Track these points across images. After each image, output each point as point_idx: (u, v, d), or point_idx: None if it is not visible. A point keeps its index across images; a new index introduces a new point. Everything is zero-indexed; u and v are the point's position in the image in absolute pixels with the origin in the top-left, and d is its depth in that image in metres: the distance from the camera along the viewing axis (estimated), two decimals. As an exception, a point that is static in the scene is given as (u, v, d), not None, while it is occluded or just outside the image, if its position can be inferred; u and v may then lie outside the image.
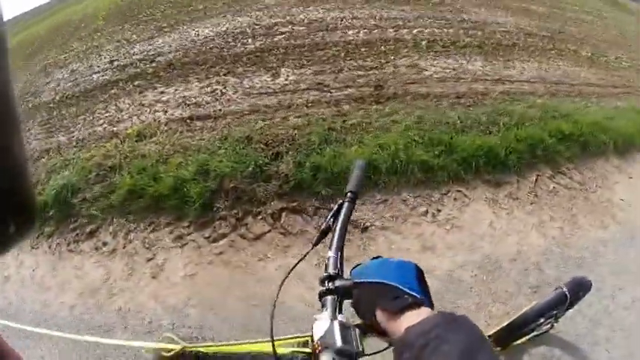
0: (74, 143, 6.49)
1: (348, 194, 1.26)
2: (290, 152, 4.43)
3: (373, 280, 0.92)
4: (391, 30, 8.50)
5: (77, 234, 4.78)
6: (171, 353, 1.63)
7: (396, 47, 7.60)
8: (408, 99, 5.73)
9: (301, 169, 4.20)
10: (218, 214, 4.16)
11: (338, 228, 1.14)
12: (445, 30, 8.71)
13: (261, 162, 4.33)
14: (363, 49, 7.56)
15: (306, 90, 6.15)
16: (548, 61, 7.98)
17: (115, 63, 9.49)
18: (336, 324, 0.87)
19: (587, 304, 2.94)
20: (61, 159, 6.05)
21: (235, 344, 0.98)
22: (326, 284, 0.98)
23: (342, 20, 9.16)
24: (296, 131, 4.77)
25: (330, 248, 1.09)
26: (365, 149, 4.48)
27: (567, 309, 2.42)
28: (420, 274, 0.93)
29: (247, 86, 6.48)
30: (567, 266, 3.64)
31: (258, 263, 3.79)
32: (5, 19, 0.45)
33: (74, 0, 24.44)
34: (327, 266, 1.04)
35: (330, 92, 6.01)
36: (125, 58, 9.63)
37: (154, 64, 8.51)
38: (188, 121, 5.81)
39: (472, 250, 3.75)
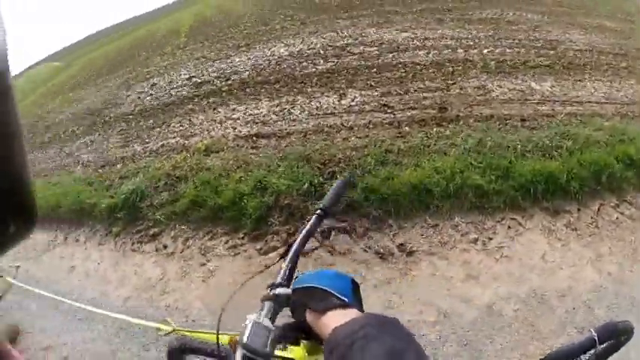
0: (147, 153, 6.91)
1: (318, 210, 1.28)
2: (345, 172, 4.47)
3: (307, 285, 0.97)
4: (461, 50, 8.35)
5: (141, 235, 5.11)
6: (163, 333, 2.00)
7: (465, 68, 7.45)
8: (471, 121, 5.59)
9: (353, 190, 4.22)
10: (271, 229, 4.27)
11: (297, 241, 1.18)
12: (516, 50, 8.43)
13: (316, 181, 4.40)
14: (431, 70, 7.47)
15: (370, 111, 6.16)
16: (620, 80, 7.50)
17: (193, 80, 9.99)
18: (252, 324, 0.93)
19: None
20: (134, 166, 6.46)
21: (214, 334, 1.07)
22: (268, 291, 1.04)
23: (413, 41, 9.11)
24: (354, 152, 4.81)
25: (284, 259, 1.14)
26: (420, 172, 4.42)
27: (603, 357, 2.20)
28: (355, 286, 0.97)
29: (314, 107, 6.60)
30: (620, 307, 3.39)
31: (301, 277, 3.84)
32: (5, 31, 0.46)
33: (160, 15, 25.68)
34: (276, 275, 1.10)
35: (394, 114, 5.98)
36: (203, 75, 10.13)
37: (229, 82, 8.88)
38: (254, 138, 6.00)
39: (519, 282, 3.55)
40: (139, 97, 10.76)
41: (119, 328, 3.76)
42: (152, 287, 4.35)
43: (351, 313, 0.85)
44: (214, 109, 7.78)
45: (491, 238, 3.96)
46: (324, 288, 0.93)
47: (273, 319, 0.97)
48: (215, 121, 7.18)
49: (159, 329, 2.56)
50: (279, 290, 1.03)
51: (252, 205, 4.42)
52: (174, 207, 5.08)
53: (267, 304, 1.00)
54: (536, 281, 3.55)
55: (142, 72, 13.40)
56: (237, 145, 5.90)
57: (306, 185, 4.36)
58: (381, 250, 3.86)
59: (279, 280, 1.09)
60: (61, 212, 6.84)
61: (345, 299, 0.90)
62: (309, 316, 0.92)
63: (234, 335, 1.08)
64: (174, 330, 2.03)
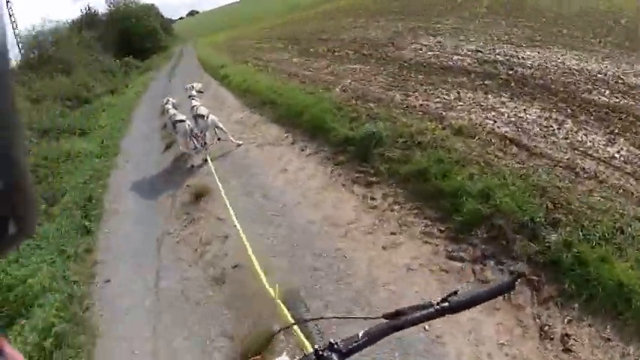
0: (404, 105, 7.32)
1: (442, 304, 1.11)
2: (567, 228, 3.98)
3: None
4: None
5: (358, 177, 5.68)
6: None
7: None
8: None
9: (564, 250, 3.73)
10: (472, 240, 4.22)
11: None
12: None
13: (537, 220, 4.08)
14: None
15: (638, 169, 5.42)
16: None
17: (479, 54, 9.90)
18: None
19: None
20: (385, 112, 6.94)
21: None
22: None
23: None
24: (589, 210, 4.24)
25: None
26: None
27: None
28: None
29: (578, 138, 6.17)
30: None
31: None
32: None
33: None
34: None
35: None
36: (489, 54, 9.91)
37: (510, 72, 8.63)
38: (507, 141, 5.81)
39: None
40: (422, 49, 11.15)
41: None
42: (338, 225, 4.90)
43: None
44: (485, 93, 7.63)
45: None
46: None
47: None
48: (480, 105, 7.08)
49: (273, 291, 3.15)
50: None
51: (468, 207, 4.41)
52: (401, 168, 5.39)
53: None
54: None
55: (432, 26, 13.69)
56: (488, 140, 5.79)
57: (526, 218, 4.12)
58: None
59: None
60: (302, 120, 7.81)
61: None
62: None
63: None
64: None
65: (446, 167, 5.06)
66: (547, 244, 3.82)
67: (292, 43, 19.50)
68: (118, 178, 9.81)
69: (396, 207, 4.95)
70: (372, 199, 5.19)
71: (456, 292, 1.13)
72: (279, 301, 3.16)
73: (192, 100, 8.84)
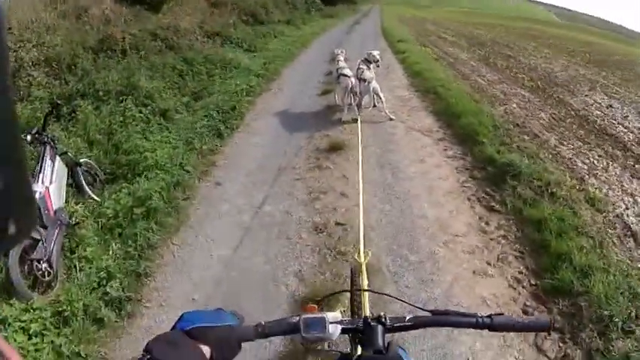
0: (555, 152, 7.29)
1: None
2: (636, 343, 3.66)
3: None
4: None
5: (484, 197, 5.81)
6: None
7: None
8: None
9: None
10: (550, 305, 4.14)
11: None
12: None
13: (615, 320, 3.80)
14: None
15: None
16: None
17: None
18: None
19: None
20: (534, 149, 7.06)
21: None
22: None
23: None
24: None
25: None
26: None
27: None
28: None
29: None
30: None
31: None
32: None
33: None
34: None
35: None
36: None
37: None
38: (628, 233, 5.31)
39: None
40: (592, 104, 10.73)
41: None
42: (445, 232, 5.04)
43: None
44: (632, 175, 6.97)
45: None
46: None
47: None
48: (622, 186, 6.58)
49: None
50: None
51: (563, 275, 4.28)
52: (525, 208, 5.38)
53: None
54: None
55: (612, 86, 13.01)
56: (612, 223, 5.44)
57: (606, 313, 3.87)
58: None
59: None
60: (457, 123, 8.14)
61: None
62: None
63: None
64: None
65: (563, 228, 4.93)
66: (611, 347, 3.66)
67: (475, 46, 19.51)
68: (266, 101, 10.29)
69: (504, 241, 4.95)
70: (487, 223, 5.22)
71: (501, 314, 1.26)
72: (364, 266, 3.21)
73: (361, 66, 8.81)
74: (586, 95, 11.71)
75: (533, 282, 4.41)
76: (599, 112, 10.21)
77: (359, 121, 7.70)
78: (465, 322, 1.24)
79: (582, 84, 13.23)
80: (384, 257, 4.54)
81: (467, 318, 1.25)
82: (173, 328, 1.06)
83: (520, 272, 4.52)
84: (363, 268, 3.17)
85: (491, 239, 4.96)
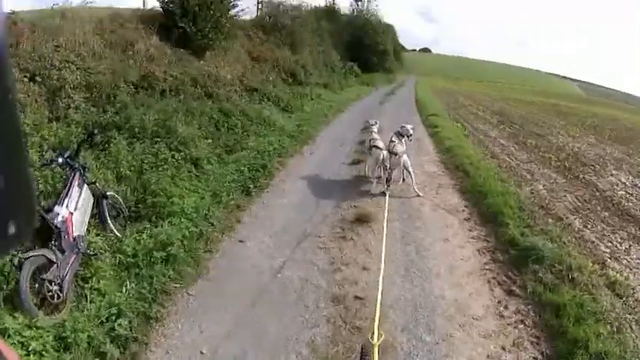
0: (579, 235, 7.33)
1: None
2: None
3: None
4: None
5: (505, 281, 5.80)
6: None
7: None
8: None
9: None
10: None
11: None
12: None
13: None
14: None
15: None
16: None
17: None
18: None
19: None
20: (558, 233, 7.03)
21: None
22: None
23: None
24: None
25: None
26: None
27: None
28: None
29: None
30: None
31: None
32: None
33: None
34: None
35: None
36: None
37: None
38: None
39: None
40: (617, 185, 10.80)
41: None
42: (463, 314, 5.02)
43: None
44: None
45: None
46: None
47: None
48: None
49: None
50: None
51: None
52: (544, 294, 5.37)
53: None
54: None
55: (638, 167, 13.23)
56: (632, 307, 5.37)
57: None
58: None
59: None
60: (483, 202, 8.17)
61: None
62: None
63: None
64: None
65: (582, 314, 4.87)
66: None
67: (504, 122, 20.02)
68: (297, 164, 10.36)
69: (521, 327, 4.91)
70: (505, 307, 5.20)
71: None
72: (377, 348, 3.19)
73: (394, 139, 9.01)
74: (612, 175, 11.82)
75: (547, 370, 4.37)
76: (623, 193, 10.26)
77: (387, 196, 7.79)
78: None
79: (608, 163, 13.43)
80: (399, 335, 4.55)
81: None
82: None
83: (535, 358, 4.49)
84: (375, 350, 3.17)
85: (508, 324, 4.94)
